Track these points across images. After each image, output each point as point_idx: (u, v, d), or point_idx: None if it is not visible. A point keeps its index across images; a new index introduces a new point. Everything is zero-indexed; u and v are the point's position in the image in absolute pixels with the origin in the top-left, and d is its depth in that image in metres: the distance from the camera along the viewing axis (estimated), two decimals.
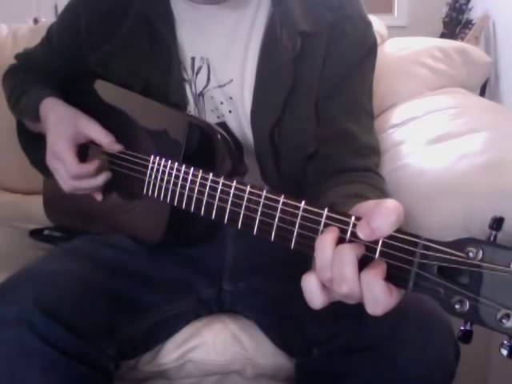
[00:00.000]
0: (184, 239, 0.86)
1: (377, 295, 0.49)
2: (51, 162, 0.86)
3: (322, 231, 0.54)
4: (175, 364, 0.88)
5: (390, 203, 0.50)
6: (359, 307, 0.51)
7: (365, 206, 0.56)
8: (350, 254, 0.50)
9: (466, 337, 0.48)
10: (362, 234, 0.50)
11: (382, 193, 0.81)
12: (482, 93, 2.49)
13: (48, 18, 2.23)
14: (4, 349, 0.69)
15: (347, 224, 0.53)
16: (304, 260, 0.56)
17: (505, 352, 0.45)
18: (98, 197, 0.88)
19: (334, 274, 0.51)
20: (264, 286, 0.87)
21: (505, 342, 0.45)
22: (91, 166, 0.83)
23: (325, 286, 0.52)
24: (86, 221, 0.96)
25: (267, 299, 0.87)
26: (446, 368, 0.71)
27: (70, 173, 0.83)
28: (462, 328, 0.47)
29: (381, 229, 0.49)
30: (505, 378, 0.94)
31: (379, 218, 0.50)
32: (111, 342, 0.77)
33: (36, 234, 1.10)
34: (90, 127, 0.85)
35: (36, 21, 2.34)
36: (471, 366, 0.90)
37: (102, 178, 0.84)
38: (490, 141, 0.98)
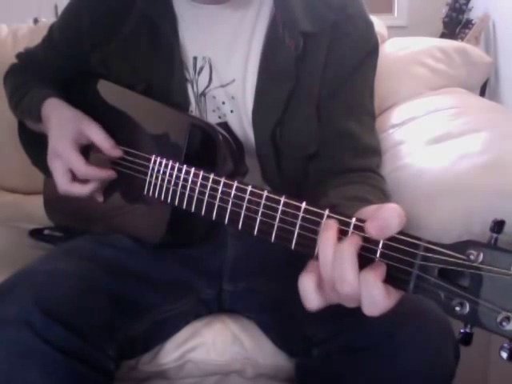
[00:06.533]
0: (184, 240, 0.86)
1: (375, 297, 0.49)
2: (52, 161, 0.86)
3: (323, 227, 0.54)
4: (175, 364, 0.88)
5: (392, 205, 0.50)
6: (359, 307, 0.52)
7: (367, 211, 0.55)
8: (349, 253, 0.50)
9: (466, 339, 0.48)
10: (374, 230, 0.49)
11: (383, 194, 0.82)
12: (482, 93, 2.48)
13: (48, 18, 2.23)
14: (4, 349, 0.69)
15: (348, 225, 0.53)
16: (304, 260, 0.56)
17: (505, 355, 0.45)
18: (99, 198, 0.88)
19: (335, 273, 0.51)
20: (264, 286, 0.87)
21: (505, 344, 0.45)
22: (98, 172, 0.83)
23: (321, 287, 0.53)
24: (86, 221, 0.96)
25: (267, 299, 0.87)
26: (446, 368, 0.71)
27: (78, 173, 0.83)
28: (462, 330, 0.48)
29: (388, 227, 0.49)
30: (505, 379, 0.94)
31: (385, 213, 0.49)
32: (111, 341, 0.77)
33: (36, 233, 1.10)
34: (91, 129, 0.84)
35: (36, 21, 2.35)
36: (471, 366, 0.90)
37: (91, 187, 0.84)
38: (490, 141, 0.98)
